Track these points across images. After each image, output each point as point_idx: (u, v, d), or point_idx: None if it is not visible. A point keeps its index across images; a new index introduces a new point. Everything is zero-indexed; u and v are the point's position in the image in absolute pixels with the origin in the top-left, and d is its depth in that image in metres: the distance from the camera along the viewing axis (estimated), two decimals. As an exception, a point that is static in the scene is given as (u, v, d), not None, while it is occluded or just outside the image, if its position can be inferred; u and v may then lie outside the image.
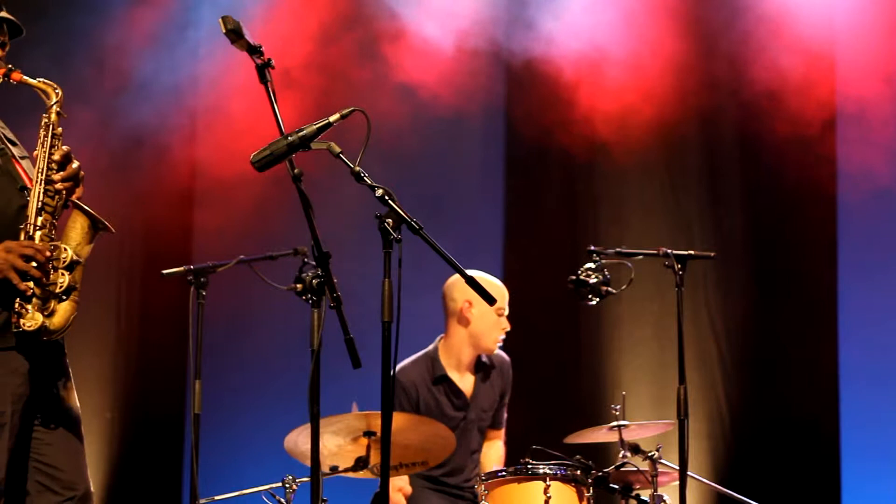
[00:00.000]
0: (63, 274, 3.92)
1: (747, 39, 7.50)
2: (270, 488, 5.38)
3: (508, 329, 6.10)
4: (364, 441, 5.28)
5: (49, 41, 6.86)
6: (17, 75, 4.03)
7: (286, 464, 5.44)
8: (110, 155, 7.49)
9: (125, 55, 7.64)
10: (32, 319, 3.87)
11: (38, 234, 3.93)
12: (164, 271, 5.52)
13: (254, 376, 7.85)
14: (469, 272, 6.00)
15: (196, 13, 7.89)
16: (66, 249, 3.94)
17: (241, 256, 5.55)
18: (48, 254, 3.90)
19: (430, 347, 6.16)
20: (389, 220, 3.64)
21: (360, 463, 5.27)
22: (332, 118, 3.71)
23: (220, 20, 3.72)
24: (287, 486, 5.30)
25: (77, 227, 3.99)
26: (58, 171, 3.99)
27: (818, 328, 7.51)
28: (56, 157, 3.98)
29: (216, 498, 5.53)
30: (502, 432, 6.28)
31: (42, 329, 3.88)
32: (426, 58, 7.69)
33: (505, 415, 6.26)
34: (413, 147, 7.64)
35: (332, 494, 5.08)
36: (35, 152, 4.03)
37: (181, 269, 5.50)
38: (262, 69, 3.73)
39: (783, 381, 7.53)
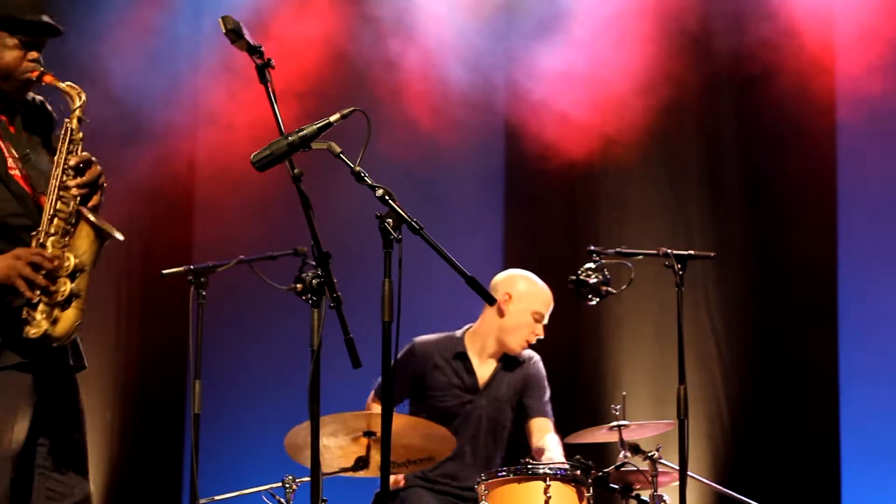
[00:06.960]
0: (66, 282, 3.89)
1: (748, 40, 7.49)
2: (270, 488, 5.38)
3: (540, 336, 6.07)
4: (364, 441, 5.28)
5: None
6: (48, 77, 4.02)
7: (286, 464, 5.43)
8: (110, 155, 7.46)
9: (125, 54, 7.64)
10: (37, 327, 3.86)
11: (50, 240, 3.91)
12: (164, 271, 5.53)
13: (254, 376, 7.85)
14: (521, 272, 6.09)
15: (196, 14, 7.88)
16: (69, 257, 3.92)
17: (241, 256, 5.55)
18: (56, 262, 3.88)
19: (458, 331, 6.14)
20: (390, 220, 3.64)
21: (361, 463, 5.26)
22: (333, 118, 3.71)
23: (220, 20, 3.72)
24: (287, 486, 5.30)
25: (83, 235, 3.96)
26: (75, 176, 3.96)
27: (818, 328, 7.50)
28: (72, 162, 3.96)
29: (216, 498, 5.54)
30: (549, 423, 6.10)
31: (45, 336, 3.86)
32: (427, 58, 7.69)
33: (548, 406, 6.12)
34: (413, 147, 7.64)
35: (332, 494, 5.08)
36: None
37: (181, 269, 5.50)
38: (262, 69, 3.72)
39: (783, 380, 7.53)
